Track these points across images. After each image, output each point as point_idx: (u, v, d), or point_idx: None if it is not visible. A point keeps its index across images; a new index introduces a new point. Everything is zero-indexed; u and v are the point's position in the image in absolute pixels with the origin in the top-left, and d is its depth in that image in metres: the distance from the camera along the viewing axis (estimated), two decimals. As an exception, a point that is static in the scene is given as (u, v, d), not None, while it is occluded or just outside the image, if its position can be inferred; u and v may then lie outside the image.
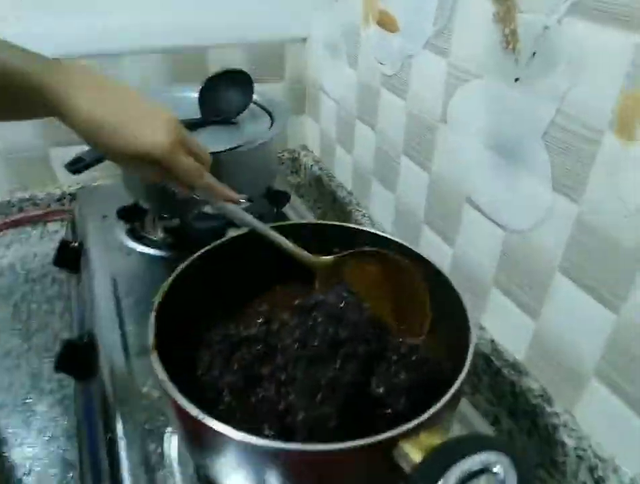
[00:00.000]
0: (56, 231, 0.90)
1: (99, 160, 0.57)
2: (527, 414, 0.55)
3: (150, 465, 0.44)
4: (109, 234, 0.72)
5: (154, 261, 0.67)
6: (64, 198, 0.93)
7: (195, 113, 0.70)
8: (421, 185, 0.71)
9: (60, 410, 0.59)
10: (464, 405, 0.54)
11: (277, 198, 0.77)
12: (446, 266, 0.69)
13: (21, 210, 0.91)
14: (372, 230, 0.50)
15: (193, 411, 0.31)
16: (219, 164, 0.65)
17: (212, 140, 0.67)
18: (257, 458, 0.31)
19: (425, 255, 0.48)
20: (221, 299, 0.45)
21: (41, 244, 0.86)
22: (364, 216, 0.88)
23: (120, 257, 0.68)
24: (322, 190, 1.00)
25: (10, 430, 0.57)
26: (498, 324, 0.62)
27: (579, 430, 0.51)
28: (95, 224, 0.75)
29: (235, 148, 0.65)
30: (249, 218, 0.46)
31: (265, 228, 0.47)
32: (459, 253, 0.66)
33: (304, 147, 1.10)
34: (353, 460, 0.31)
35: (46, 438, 0.56)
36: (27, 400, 0.60)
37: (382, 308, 0.48)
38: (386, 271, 0.48)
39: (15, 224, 0.90)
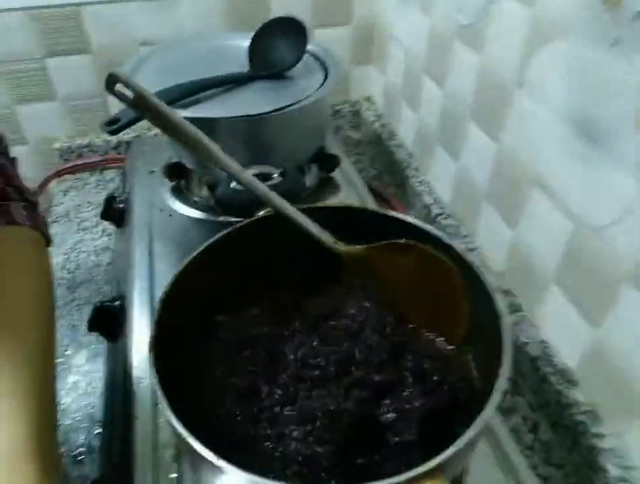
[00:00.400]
0: (112, 179, 0.91)
1: (137, 120, 0.54)
2: (569, 429, 0.50)
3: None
4: (154, 191, 0.71)
5: (195, 224, 0.66)
6: (121, 146, 0.93)
7: (244, 67, 0.66)
8: (488, 156, 0.63)
9: (95, 367, 0.61)
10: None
11: (327, 162, 0.72)
12: (503, 251, 0.62)
13: (79, 156, 0.93)
14: (411, 220, 0.44)
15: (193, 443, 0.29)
16: (265, 126, 0.62)
17: (260, 98, 0.62)
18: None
19: (465, 256, 0.42)
20: (232, 292, 0.42)
21: (96, 192, 0.88)
22: (422, 182, 0.81)
23: (161, 217, 0.67)
24: (381, 149, 0.94)
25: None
26: (553, 325, 0.55)
27: (627, 459, 0.45)
28: (141, 178, 0.74)
29: (284, 108, 0.61)
30: (272, 195, 0.42)
31: (289, 208, 0.42)
32: (520, 238, 0.59)
33: (368, 99, 1.03)
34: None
35: (80, 392, 0.58)
36: (66, 353, 0.63)
37: (413, 309, 0.43)
38: (423, 269, 0.43)
39: (74, 170, 0.92)
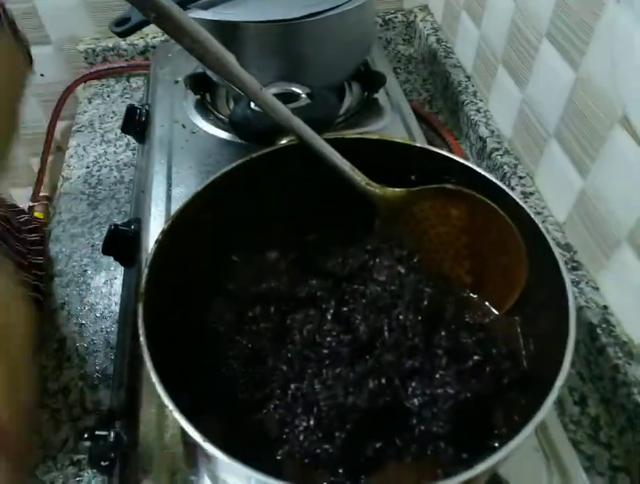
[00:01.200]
0: (139, 87, 0.84)
1: (148, 21, 0.46)
2: (625, 410, 0.44)
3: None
4: (177, 104, 0.64)
5: (219, 144, 0.59)
6: (148, 51, 0.85)
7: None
8: (563, 85, 0.53)
9: (113, 289, 0.58)
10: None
11: (371, 80, 0.63)
12: (569, 201, 0.54)
13: (105, 60, 0.86)
14: (463, 161, 0.37)
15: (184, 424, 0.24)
16: (298, 34, 0.52)
17: (292, 1, 0.53)
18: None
19: (529, 210, 0.34)
20: (249, 230, 0.36)
21: (122, 102, 0.81)
22: (479, 111, 0.71)
23: (183, 134, 0.60)
24: (435, 68, 0.83)
25: (65, 299, 0.57)
26: (618, 291, 0.48)
27: (691, 452, 0.40)
28: (165, 89, 0.67)
29: (321, 12, 0.51)
30: (296, 121, 0.34)
31: (315, 138, 0.35)
32: (591, 189, 0.50)
33: (425, 8, 0.90)
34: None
35: (97, 315, 0.56)
36: (86, 272, 0.60)
37: (457, 266, 0.37)
38: (474, 221, 0.36)
39: (99, 75, 0.85)
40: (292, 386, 0.28)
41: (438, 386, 0.28)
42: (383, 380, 0.27)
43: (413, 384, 0.28)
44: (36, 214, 0.94)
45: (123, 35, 0.45)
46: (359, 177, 0.36)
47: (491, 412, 0.30)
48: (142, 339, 0.26)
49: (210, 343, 0.31)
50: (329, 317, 0.29)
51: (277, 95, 0.36)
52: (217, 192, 0.36)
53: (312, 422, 0.28)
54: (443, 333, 0.30)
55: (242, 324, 0.31)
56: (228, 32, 0.50)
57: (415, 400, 0.27)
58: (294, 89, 0.42)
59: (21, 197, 0.96)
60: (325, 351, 0.28)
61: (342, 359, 0.28)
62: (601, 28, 0.46)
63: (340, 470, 0.27)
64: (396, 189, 0.36)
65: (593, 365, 0.48)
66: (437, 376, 0.28)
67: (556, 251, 0.31)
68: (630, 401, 0.43)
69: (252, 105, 0.39)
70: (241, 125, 0.38)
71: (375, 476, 0.27)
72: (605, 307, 0.49)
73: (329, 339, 0.28)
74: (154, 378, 0.25)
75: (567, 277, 0.29)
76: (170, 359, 0.28)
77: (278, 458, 0.27)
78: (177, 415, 0.25)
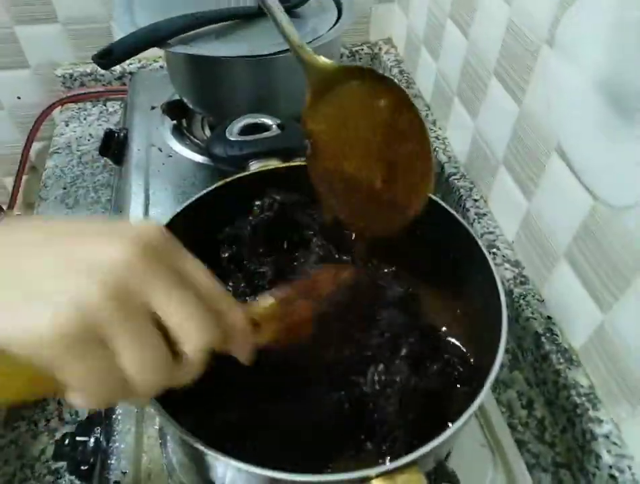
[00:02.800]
0: (115, 111, 0.87)
1: (131, 53, 0.50)
2: (565, 411, 0.49)
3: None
4: (154, 128, 0.68)
5: (194, 167, 0.63)
6: (125, 76, 0.89)
7: (252, 1, 0.60)
8: (507, 117, 0.59)
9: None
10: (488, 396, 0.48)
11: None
12: (517, 221, 0.59)
13: (82, 84, 0.89)
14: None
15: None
16: (269, 69, 0.57)
17: (266, 37, 0.58)
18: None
19: (459, 217, 0.39)
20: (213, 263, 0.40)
21: (98, 125, 0.84)
22: (438, 138, 0.77)
23: (160, 157, 0.64)
24: (398, 98, 0.88)
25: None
26: (560, 302, 0.53)
27: (622, 447, 0.44)
28: (142, 114, 0.71)
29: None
30: None
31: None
32: (535, 210, 0.56)
33: (388, 41, 0.96)
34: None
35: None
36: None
37: (367, 166, 0.38)
38: (392, 116, 0.36)
39: (76, 99, 0.88)
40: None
41: (390, 372, 0.32)
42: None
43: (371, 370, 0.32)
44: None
45: (106, 67, 0.49)
46: (295, 38, 0.39)
47: (445, 406, 0.34)
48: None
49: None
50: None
51: (249, 125, 0.40)
52: (194, 213, 0.39)
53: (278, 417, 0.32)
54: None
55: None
56: (204, 66, 0.54)
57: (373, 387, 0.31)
58: (265, 120, 0.46)
59: (-7, 216, 0.97)
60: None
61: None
62: (538, 68, 0.52)
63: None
64: (327, 60, 0.38)
65: (538, 371, 0.53)
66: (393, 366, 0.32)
67: (491, 264, 0.36)
68: (570, 402, 0.48)
69: (227, 134, 0.43)
70: (216, 154, 0.42)
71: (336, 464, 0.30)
72: (549, 317, 0.54)
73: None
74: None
75: (502, 287, 0.34)
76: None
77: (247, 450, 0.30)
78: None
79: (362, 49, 0.95)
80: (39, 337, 0.20)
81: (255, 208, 0.40)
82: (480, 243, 0.37)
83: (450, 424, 0.32)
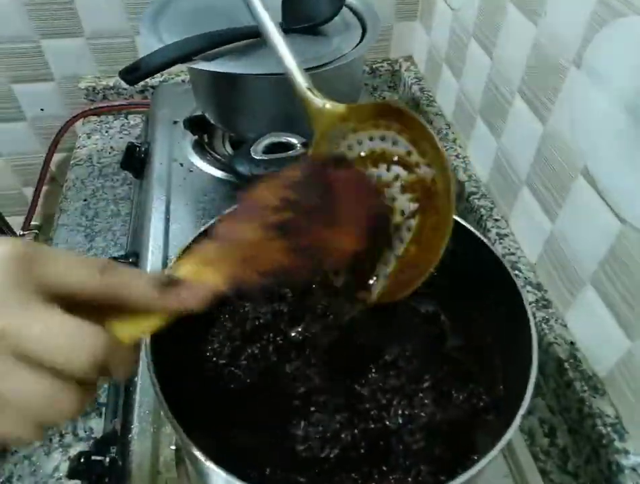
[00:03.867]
0: (137, 125, 0.88)
1: (158, 70, 0.51)
2: (590, 440, 0.47)
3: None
4: (176, 143, 0.68)
5: (215, 183, 0.63)
6: (147, 90, 0.90)
7: (276, 18, 0.61)
8: (532, 137, 0.58)
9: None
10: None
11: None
12: (539, 243, 0.58)
13: (104, 98, 0.90)
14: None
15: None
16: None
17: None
18: None
19: (485, 240, 0.38)
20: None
21: (120, 138, 0.85)
22: (458, 157, 0.76)
23: (180, 172, 0.64)
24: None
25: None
26: (584, 328, 0.52)
27: (649, 480, 0.43)
28: (164, 129, 0.71)
29: (316, 68, 0.56)
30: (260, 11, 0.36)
31: (274, 40, 0.38)
32: (559, 232, 0.55)
33: (409, 59, 0.96)
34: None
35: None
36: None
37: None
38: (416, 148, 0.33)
39: (98, 112, 0.89)
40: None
41: (417, 407, 0.31)
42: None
43: (394, 403, 0.31)
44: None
45: (132, 83, 0.49)
46: (302, 80, 0.36)
47: (471, 438, 0.33)
48: (151, 369, 0.29)
49: (209, 370, 0.34)
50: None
51: (273, 144, 0.40)
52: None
53: (300, 447, 0.31)
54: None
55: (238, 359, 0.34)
56: (227, 82, 0.54)
57: (396, 419, 0.30)
58: (289, 139, 0.46)
59: (12, 225, 0.98)
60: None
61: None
62: (565, 89, 0.52)
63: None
64: (337, 103, 0.36)
65: (561, 398, 0.52)
66: (417, 398, 0.31)
67: (527, 305, 0.35)
68: (595, 432, 0.47)
69: (251, 152, 0.43)
70: (240, 172, 0.42)
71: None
72: (572, 343, 0.52)
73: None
74: (162, 404, 0.27)
75: (531, 314, 0.33)
76: (172, 389, 0.30)
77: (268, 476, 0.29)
78: (185, 439, 0.27)
79: (382, 66, 0.95)
80: None
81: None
82: (506, 265, 0.36)
83: (475, 457, 0.31)
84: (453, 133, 0.80)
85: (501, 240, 0.64)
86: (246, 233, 0.29)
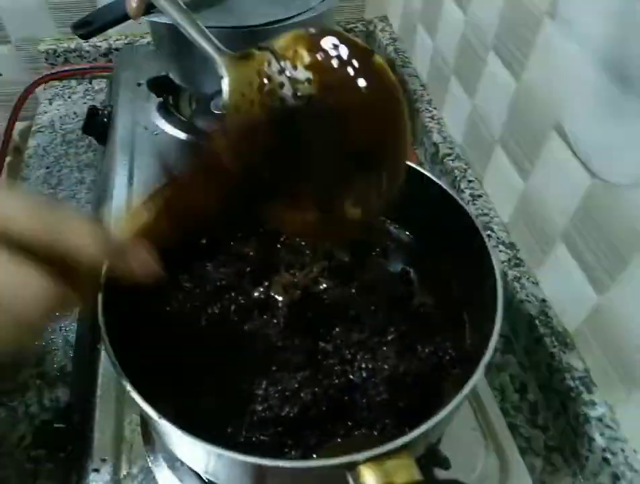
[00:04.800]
0: (101, 89, 0.84)
1: (112, 24, 0.48)
2: (559, 394, 0.48)
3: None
4: (140, 106, 0.65)
5: (181, 146, 0.61)
6: (111, 53, 0.86)
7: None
8: (505, 94, 0.57)
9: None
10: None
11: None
12: (512, 203, 0.58)
13: (66, 61, 0.86)
14: (419, 169, 0.39)
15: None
16: (260, 39, 0.55)
17: (255, 7, 0.55)
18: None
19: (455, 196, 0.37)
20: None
21: (83, 103, 0.81)
22: (433, 118, 0.75)
23: (145, 135, 0.62)
24: (393, 77, 0.86)
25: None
26: (555, 285, 0.52)
27: (615, 430, 0.43)
28: (127, 91, 0.68)
29: (282, 20, 0.53)
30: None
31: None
32: (532, 190, 0.54)
33: (384, 19, 0.94)
34: (304, 478, 0.26)
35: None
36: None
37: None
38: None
39: (60, 76, 0.85)
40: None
41: (380, 360, 0.30)
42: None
43: (358, 357, 0.30)
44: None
45: (85, 37, 0.46)
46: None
47: (437, 391, 0.33)
48: (102, 327, 0.28)
49: (167, 330, 0.33)
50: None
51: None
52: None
53: (264, 405, 0.30)
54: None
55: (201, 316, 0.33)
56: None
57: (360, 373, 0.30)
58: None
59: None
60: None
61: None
62: (539, 42, 0.50)
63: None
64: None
65: (532, 354, 0.52)
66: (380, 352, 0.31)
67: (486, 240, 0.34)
68: (564, 385, 0.47)
69: (212, 107, 0.41)
70: (200, 128, 0.40)
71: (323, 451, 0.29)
72: (543, 300, 0.53)
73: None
74: (112, 359, 0.26)
75: (499, 271, 0.32)
76: (129, 346, 0.29)
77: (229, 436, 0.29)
78: (136, 396, 0.26)
79: (357, 27, 0.92)
80: None
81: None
82: (477, 222, 0.35)
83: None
84: (428, 94, 0.78)
85: (475, 201, 0.63)
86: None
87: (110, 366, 0.40)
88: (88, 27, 0.46)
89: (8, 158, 0.94)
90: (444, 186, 0.38)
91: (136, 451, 0.38)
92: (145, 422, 0.38)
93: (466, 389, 0.26)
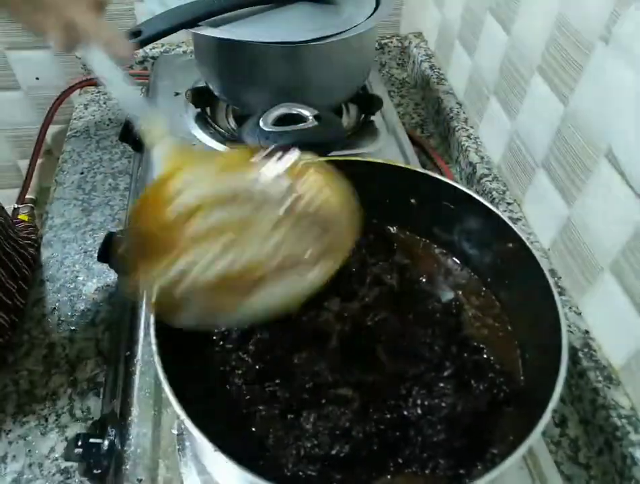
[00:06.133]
0: (136, 96, 0.85)
1: (161, 35, 0.48)
2: (603, 432, 0.46)
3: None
4: (177, 116, 0.65)
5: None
6: (147, 61, 0.86)
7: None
8: (551, 117, 0.56)
9: (105, 296, 0.58)
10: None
11: (368, 103, 0.65)
12: (554, 228, 0.56)
13: (103, 67, 0.86)
14: (464, 189, 0.39)
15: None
16: (303, 56, 0.54)
17: (301, 24, 0.55)
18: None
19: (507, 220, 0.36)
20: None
21: (118, 109, 0.82)
22: (470, 137, 0.73)
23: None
24: (427, 94, 0.85)
25: (56, 305, 0.57)
26: (600, 316, 0.50)
27: (665, 474, 0.41)
28: (164, 100, 0.68)
29: (327, 37, 0.53)
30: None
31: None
32: (576, 217, 0.53)
33: (419, 35, 0.93)
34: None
35: (87, 321, 0.56)
36: (77, 279, 0.60)
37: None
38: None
39: (96, 82, 0.85)
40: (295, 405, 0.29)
41: (437, 397, 0.29)
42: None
43: (414, 392, 0.29)
44: (21, 217, 0.93)
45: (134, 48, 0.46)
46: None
47: (488, 428, 0.32)
48: (154, 349, 0.27)
49: (214, 359, 0.32)
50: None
51: (284, 116, 0.37)
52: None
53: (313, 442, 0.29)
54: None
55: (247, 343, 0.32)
56: (234, 51, 0.52)
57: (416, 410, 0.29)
58: (301, 110, 0.43)
59: (5, 198, 0.95)
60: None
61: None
62: (590, 67, 0.49)
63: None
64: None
65: (574, 387, 0.50)
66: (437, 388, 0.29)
67: (549, 277, 0.33)
68: (609, 424, 0.45)
69: (261, 124, 0.40)
70: (249, 144, 0.40)
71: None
72: (586, 332, 0.51)
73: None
74: (165, 383, 0.26)
75: (559, 303, 0.31)
76: (178, 370, 0.28)
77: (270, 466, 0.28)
78: (184, 417, 0.25)
79: (392, 42, 0.92)
80: None
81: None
82: (534, 251, 0.34)
83: (494, 450, 0.30)
84: (464, 113, 0.77)
85: (513, 224, 0.62)
86: None
87: (147, 379, 0.39)
88: (136, 37, 0.46)
89: (40, 161, 0.95)
90: (502, 215, 0.37)
91: (173, 470, 0.37)
92: (182, 443, 0.37)
93: (533, 437, 0.25)
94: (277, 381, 0.30)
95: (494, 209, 0.38)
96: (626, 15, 0.44)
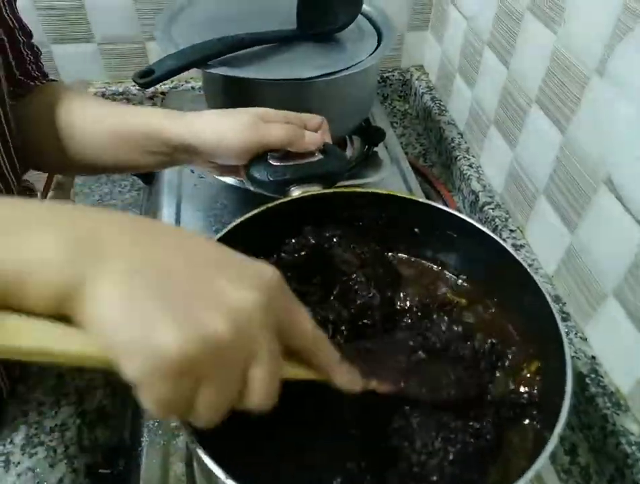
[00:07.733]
0: (146, 131, 0.87)
1: (172, 73, 0.50)
2: (614, 460, 0.46)
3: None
4: (186, 150, 0.67)
5: (227, 190, 0.62)
6: (156, 97, 0.89)
7: (292, 24, 0.60)
8: (550, 147, 0.57)
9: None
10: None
11: (371, 135, 0.67)
12: (558, 254, 0.57)
13: (114, 103, 0.89)
14: (466, 218, 0.40)
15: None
16: (308, 92, 0.56)
17: (305, 61, 0.57)
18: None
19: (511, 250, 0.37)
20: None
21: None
22: (472, 166, 0.75)
23: (191, 179, 0.63)
24: (429, 124, 0.87)
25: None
26: (606, 342, 0.50)
27: (678, 503, 0.41)
28: (174, 135, 0.70)
29: (331, 74, 0.55)
30: None
31: None
32: (579, 244, 0.53)
33: (420, 68, 0.96)
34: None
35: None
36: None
37: None
38: None
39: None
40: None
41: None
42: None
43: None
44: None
45: (146, 86, 0.48)
46: None
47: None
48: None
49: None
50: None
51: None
52: (233, 238, 0.38)
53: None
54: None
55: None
56: (242, 88, 0.54)
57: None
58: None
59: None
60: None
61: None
62: (586, 98, 0.51)
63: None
64: None
65: (582, 414, 0.50)
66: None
67: (553, 304, 0.34)
68: (619, 451, 0.45)
69: (269, 158, 0.42)
70: (257, 179, 0.41)
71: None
72: (593, 357, 0.51)
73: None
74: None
75: (562, 328, 0.32)
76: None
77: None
78: (206, 459, 0.26)
79: (393, 75, 0.94)
80: (159, 357, 0.21)
81: (287, 249, 0.38)
82: (537, 279, 0.35)
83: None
84: (466, 142, 0.79)
85: (517, 252, 0.62)
86: None
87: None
88: (149, 76, 0.48)
89: (51, 193, 0.97)
90: (502, 243, 0.38)
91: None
92: (191, 475, 0.37)
93: (539, 462, 0.25)
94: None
95: (495, 237, 0.38)
96: (618, 49, 0.46)
